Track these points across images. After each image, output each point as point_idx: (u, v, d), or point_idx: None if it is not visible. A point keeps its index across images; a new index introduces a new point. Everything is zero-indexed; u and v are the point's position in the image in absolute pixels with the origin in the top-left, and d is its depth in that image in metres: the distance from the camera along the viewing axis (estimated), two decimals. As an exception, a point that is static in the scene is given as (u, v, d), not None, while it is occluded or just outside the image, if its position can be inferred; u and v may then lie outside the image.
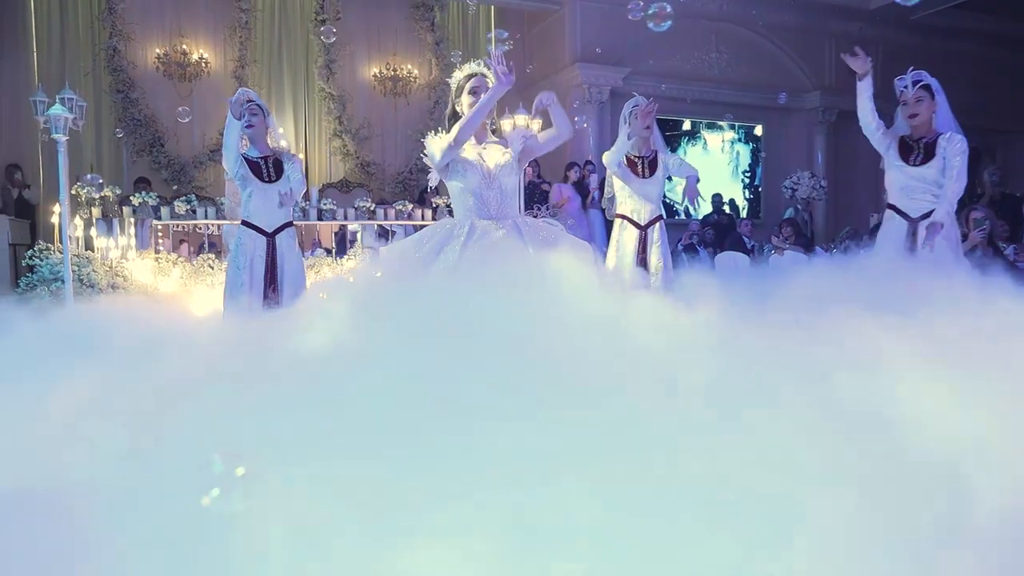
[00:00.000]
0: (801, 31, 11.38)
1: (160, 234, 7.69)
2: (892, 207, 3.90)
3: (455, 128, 3.07)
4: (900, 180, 3.85)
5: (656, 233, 4.80)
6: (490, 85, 3.12)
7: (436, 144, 3.11)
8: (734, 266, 7.84)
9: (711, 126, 11.44)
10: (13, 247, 8.00)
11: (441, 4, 11.03)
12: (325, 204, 8.09)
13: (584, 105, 10.33)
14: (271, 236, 4.22)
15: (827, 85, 11.76)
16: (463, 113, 3.17)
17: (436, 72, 10.90)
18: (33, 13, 9.27)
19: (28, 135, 9.08)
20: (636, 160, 4.78)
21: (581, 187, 9.17)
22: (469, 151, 3.16)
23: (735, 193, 11.57)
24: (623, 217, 4.86)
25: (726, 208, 10.87)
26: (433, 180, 3.25)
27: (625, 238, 4.81)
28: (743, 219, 10.00)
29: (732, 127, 11.57)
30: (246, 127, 4.18)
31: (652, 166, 4.80)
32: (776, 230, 8.18)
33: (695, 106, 11.07)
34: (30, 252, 6.57)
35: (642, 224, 4.77)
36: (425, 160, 3.18)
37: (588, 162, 9.55)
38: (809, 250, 8.12)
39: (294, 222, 4.46)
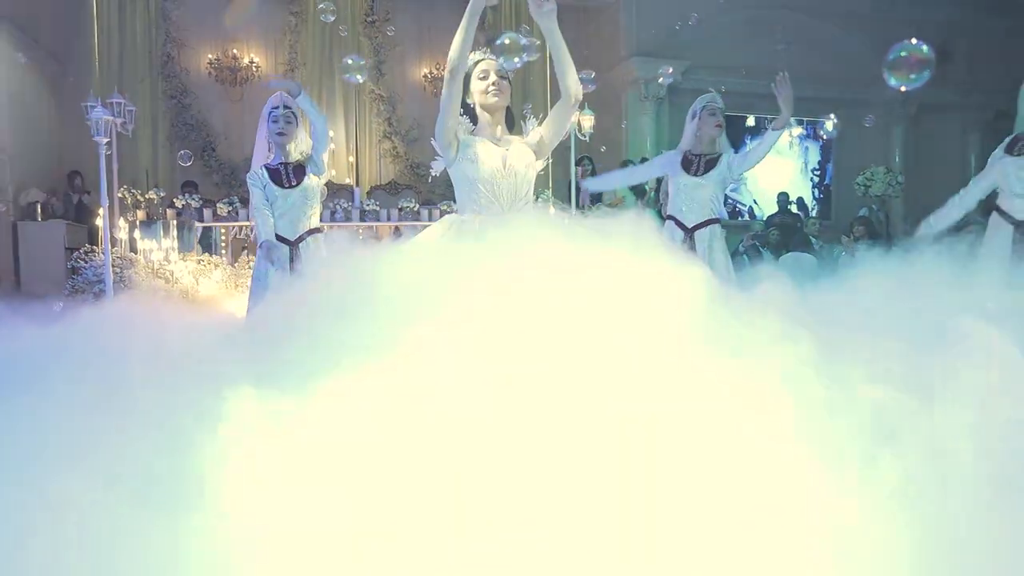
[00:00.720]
0: (876, 18, 10.62)
1: (223, 238, 7.67)
2: (999, 210, 3.40)
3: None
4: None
5: (707, 238, 4.20)
6: (498, 73, 2.81)
7: (442, 134, 2.75)
8: (799, 268, 7.28)
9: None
10: (69, 251, 8.13)
11: (492, 4, 10.77)
12: (369, 205, 7.94)
13: (640, 102, 9.90)
14: (294, 244, 3.99)
15: (905, 76, 10.97)
16: (474, 104, 2.85)
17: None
18: (96, 24, 9.46)
19: (89, 142, 9.27)
20: (693, 157, 4.28)
21: (636, 186, 8.74)
22: (484, 138, 2.81)
23: (804, 192, 10.89)
24: (670, 217, 4.33)
25: (792, 207, 10.21)
26: (437, 168, 2.89)
27: (670, 242, 4.28)
28: (809, 218, 9.36)
29: (800, 123, 10.90)
30: (277, 134, 3.95)
31: (709, 166, 4.22)
32: (847, 229, 7.56)
33: (759, 100, 10.46)
34: (75, 254, 6.61)
35: (688, 226, 4.24)
36: (433, 143, 2.85)
37: (644, 159, 9.10)
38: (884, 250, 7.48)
39: (322, 227, 4.21)
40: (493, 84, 2.80)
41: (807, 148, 10.97)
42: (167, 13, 9.40)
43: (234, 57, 9.64)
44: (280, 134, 3.91)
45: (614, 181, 5.35)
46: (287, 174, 3.96)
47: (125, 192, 7.29)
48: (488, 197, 2.76)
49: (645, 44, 9.82)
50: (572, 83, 2.78)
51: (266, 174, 3.92)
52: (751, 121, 10.72)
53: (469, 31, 2.66)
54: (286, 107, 3.95)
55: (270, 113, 3.94)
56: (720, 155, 4.22)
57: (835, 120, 8.64)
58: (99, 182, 6.21)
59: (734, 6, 10.16)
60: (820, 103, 10.84)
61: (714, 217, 4.30)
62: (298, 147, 4.07)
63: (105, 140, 5.99)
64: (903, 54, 2.99)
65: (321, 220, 7.26)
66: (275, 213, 3.94)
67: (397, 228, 7.69)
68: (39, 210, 8.22)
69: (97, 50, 9.46)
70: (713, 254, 4.23)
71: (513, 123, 3.01)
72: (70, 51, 9.41)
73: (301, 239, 3.97)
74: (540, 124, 2.92)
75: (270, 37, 9.88)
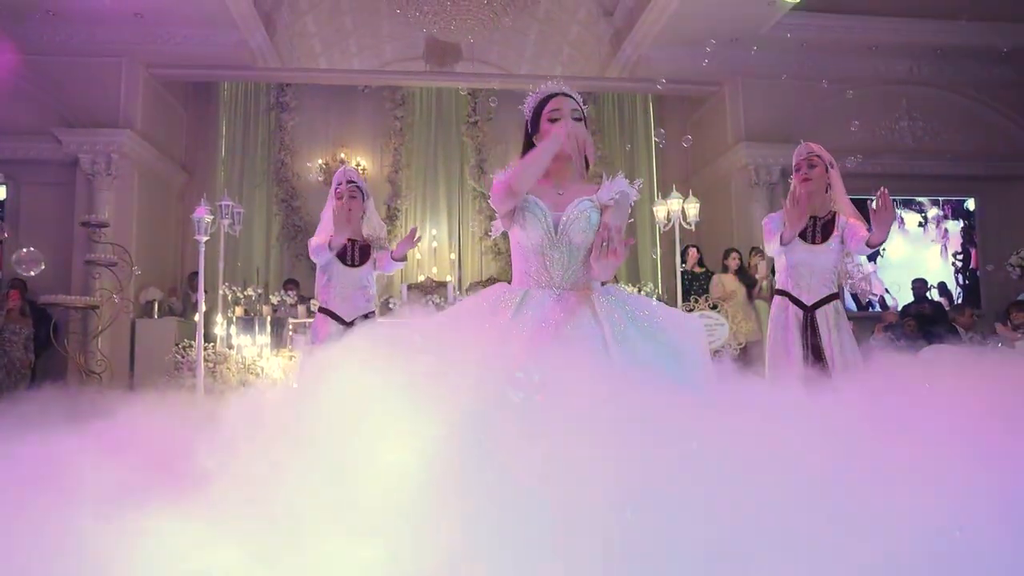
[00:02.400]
0: (1021, 85, 9.67)
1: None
2: None
3: (514, 168, 2.33)
4: None
5: (832, 317, 3.60)
6: (571, 110, 2.36)
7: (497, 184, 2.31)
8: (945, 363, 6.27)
9: (907, 203, 9.86)
10: (178, 346, 8.43)
11: (594, 97, 10.76)
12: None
13: (750, 187, 9.35)
14: (350, 326, 3.75)
15: (1060, 147, 9.82)
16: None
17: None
18: (224, 136, 10.22)
19: (210, 245, 9.83)
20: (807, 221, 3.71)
21: (744, 275, 8.10)
22: (541, 194, 2.28)
23: (946, 278, 9.74)
24: (782, 293, 3.72)
25: (932, 293, 9.09)
26: (496, 230, 2.45)
27: (786, 321, 3.64)
28: (954, 306, 8.25)
29: (935, 203, 9.90)
30: (342, 208, 3.81)
31: (826, 230, 3.65)
32: (1004, 316, 6.52)
33: (885, 182, 9.61)
34: (175, 349, 6.75)
35: (808, 304, 3.62)
36: (490, 203, 2.39)
37: (755, 248, 8.46)
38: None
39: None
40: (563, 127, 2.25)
41: (946, 229, 9.89)
42: (283, 123, 9.99)
43: (342, 161, 10.04)
44: (353, 210, 3.78)
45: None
46: (352, 252, 3.80)
47: (227, 289, 7.49)
48: (539, 268, 2.26)
49: (752, 129, 9.35)
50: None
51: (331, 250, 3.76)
52: (875, 204, 9.84)
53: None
54: (350, 181, 3.83)
55: (335, 188, 3.82)
56: (835, 215, 3.64)
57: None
58: (199, 280, 6.39)
59: (851, 85, 9.56)
60: (958, 180, 9.86)
61: (835, 292, 3.69)
62: (368, 225, 3.92)
63: (205, 239, 6.16)
64: None
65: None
66: (332, 289, 3.75)
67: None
68: (156, 308, 8.62)
69: (222, 160, 10.17)
70: (841, 334, 3.58)
71: (589, 164, 2.46)
72: (197, 162, 10.14)
73: (355, 321, 3.73)
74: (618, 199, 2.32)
75: (377, 141, 10.25)
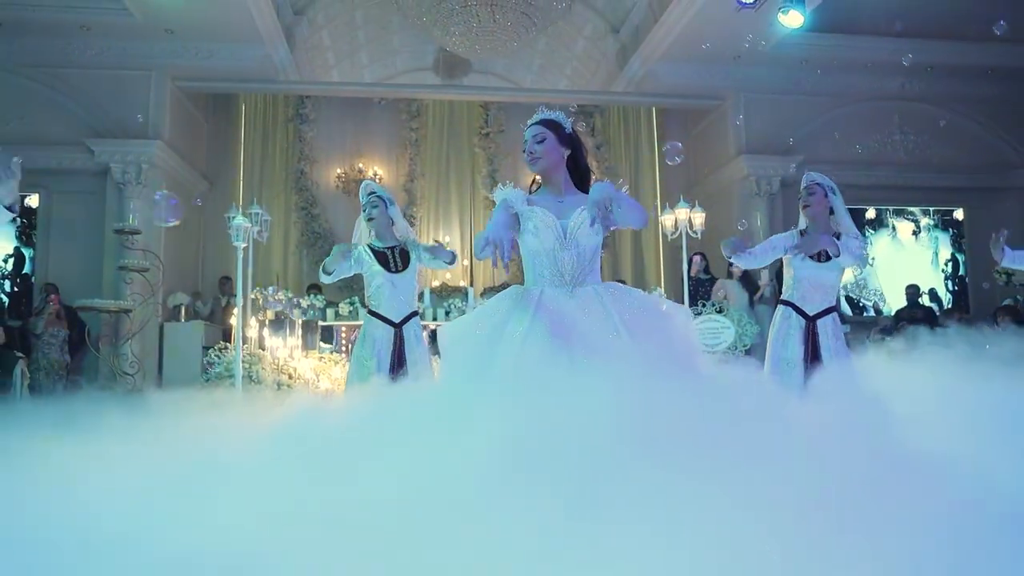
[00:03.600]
0: (1003, 101, 10.17)
1: (343, 336, 8.07)
2: None
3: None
4: None
5: (831, 327, 4.00)
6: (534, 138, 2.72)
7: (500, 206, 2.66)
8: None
9: (899, 212, 10.34)
10: (205, 349, 8.77)
11: (600, 110, 11.19)
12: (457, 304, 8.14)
13: (751, 198, 9.79)
14: (398, 326, 4.10)
15: (1044, 160, 10.34)
16: (532, 171, 2.78)
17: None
18: (243, 146, 10.58)
19: (228, 250, 10.16)
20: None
21: (748, 282, 8.52)
22: (546, 204, 2.64)
23: (936, 284, 10.22)
24: (787, 304, 4.12)
25: (924, 299, 9.56)
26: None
27: (789, 328, 4.04)
28: (943, 310, 8.71)
29: (926, 213, 10.38)
30: (368, 219, 4.17)
31: (831, 250, 4.03)
32: (991, 320, 6.97)
33: (880, 192, 10.11)
34: (210, 350, 7.09)
35: (810, 314, 4.02)
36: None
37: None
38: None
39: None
40: (528, 154, 2.71)
41: (936, 238, 10.37)
42: (302, 134, 10.36)
43: (359, 170, 10.41)
44: (369, 219, 4.11)
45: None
46: (394, 259, 4.11)
47: (257, 294, 7.85)
48: (552, 271, 2.58)
49: (755, 141, 9.80)
50: (639, 221, 2.68)
51: (370, 254, 4.08)
52: (871, 213, 10.33)
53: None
54: (370, 193, 4.17)
55: (366, 201, 4.16)
56: (839, 236, 4.04)
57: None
58: (237, 285, 6.75)
59: (846, 100, 10.05)
60: (948, 192, 10.35)
61: (834, 305, 4.12)
62: (398, 232, 4.24)
63: (244, 245, 6.51)
64: None
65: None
66: (380, 294, 4.08)
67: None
68: (183, 312, 8.96)
69: (242, 170, 10.52)
70: (837, 342, 4.01)
71: (586, 178, 2.80)
72: (218, 171, 10.49)
73: (404, 322, 4.09)
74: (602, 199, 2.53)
75: (392, 151, 10.64)
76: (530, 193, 2.77)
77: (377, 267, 4.04)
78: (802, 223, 4.19)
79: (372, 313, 4.12)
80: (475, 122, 10.83)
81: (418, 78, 11.38)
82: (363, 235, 4.23)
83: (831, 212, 4.11)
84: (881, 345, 7.23)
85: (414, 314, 4.19)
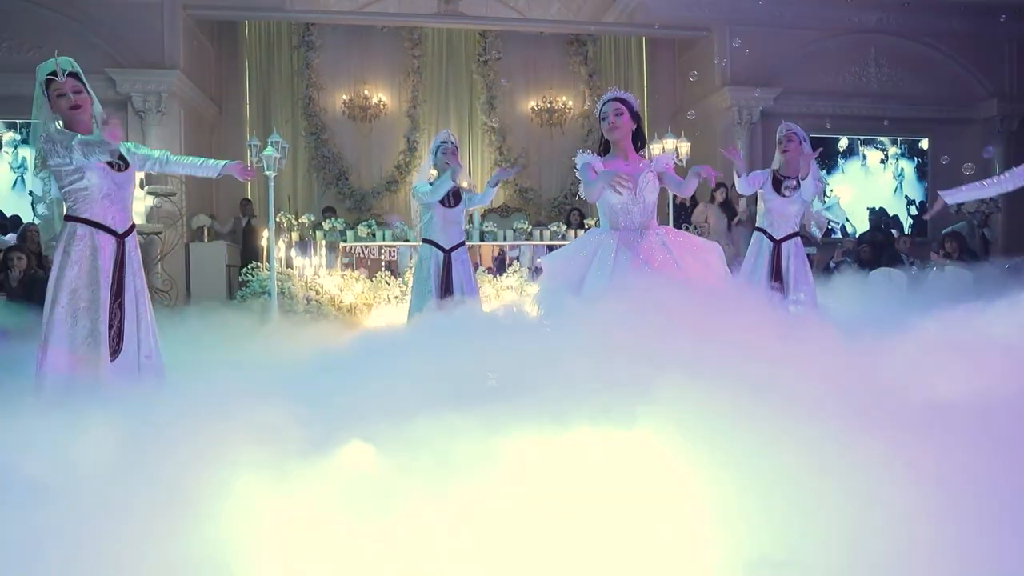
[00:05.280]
0: (974, 36, 10.80)
1: (358, 255, 8.79)
2: None
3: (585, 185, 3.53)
4: None
5: (792, 249, 4.97)
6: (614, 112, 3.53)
7: (581, 170, 3.52)
8: (889, 283, 7.66)
9: (870, 142, 11.10)
10: (228, 267, 9.51)
11: (593, 39, 11.65)
12: (487, 227, 8.89)
13: (733, 127, 10.46)
14: (448, 252, 4.92)
15: (1006, 92, 11.05)
16: (608, 137, 3.58)
17: (590, 103, 11.51)
18: (247, 73, 10.99)
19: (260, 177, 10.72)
20: (782, 179, 4.98)
21: (727, 207, 9.32)
22: (617, 168, 3.45)
23: (899, 211, 11.11)
24: (760, 230, 5.08)
25: (888, 226, 10.48)
26: (588, 193, 3.54)
27: (760, 249, 5.02)
28: (902, 235, 9.63)
29: (895, 142, 11.15)
30: (445, 164, 4.81)
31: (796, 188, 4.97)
32: (937, 245, 7.88)
33: (853, 123, 10.83)
34: (244, 269, 7.84)
35: (777, 238, 4.97)
36: (577, 172, 3.58)
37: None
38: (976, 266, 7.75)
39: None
40: (610, 125, 3.50)
41: (903, 167, 11.19)
42: (309, 61, 10.78)
43: (365, 97, 10.89)
44: (447, 164, 4.82)
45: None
46: (448, 195, 4.89)
47: (282, 217, 8.54)
48: (625, 219, 3.46)
49: (738, 73, 10.39)
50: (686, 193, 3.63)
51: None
52: (844, 143, 11.07)
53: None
54: (445, 141, 4.90)
55: (439, 146, 4.89)
56: (806, 177, 4.89)
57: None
58: (267, 210, 7.45)
59: (826, 33, 10.61)
60: (916, 123, 11.08)
61: (797, 231, 5.00)
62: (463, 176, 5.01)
63: (274, 174, 7.17)
64: None
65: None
66: (433, 225, 4.89)
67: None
68: (206, 232, 9.64)
69: (248, 96, 10.97)
70: (797, 261, 4.94)
71: (643, 143, 3.70)
72: (226, 96, 10.93)
73: (454, 248, 4.90)
74: (663, 171, 3.55)
75: (395, 79, 11.10)
76: (602, 156, 3.59)
77: (436, 202, 4.85)
78: (776, 163, 5.03)
79: (427, 241, 4.94)
80: (473, 50, 11.26)
81: (418, 4, 11.69)
82: (423, 174, 4.99)
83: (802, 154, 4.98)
84: (834, 268, 8.16)
85: (462, 243, 5.02)
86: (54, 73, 3.09)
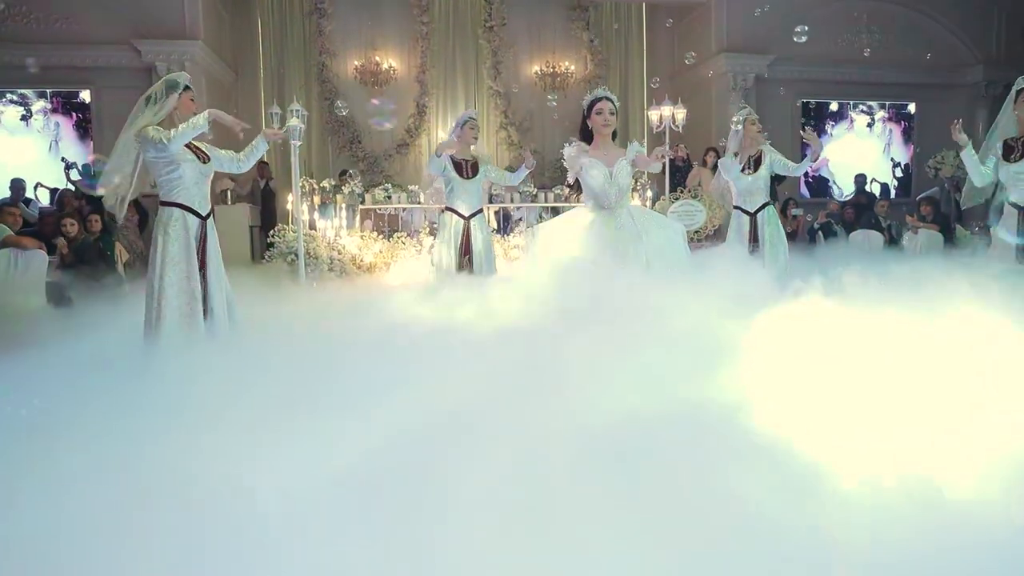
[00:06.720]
0: (964, 2, 11.22)
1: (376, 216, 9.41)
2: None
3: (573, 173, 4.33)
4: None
5: (766, 217, 5.71)
6: (610, 111, 4.25)
7: (569, 160, 4.27)
8: (867, 244, 8.30)
9: (857, 106, 11.60)
10: (251, 228, 10.10)
11: (595, 4, 12.02)
12: (494, 190, 9.47)
13: (728, 92, 10.94)
14: (468, 219, 5.55)
15: (991, 57, 11.50)
16: (592, 128, 4.29)
17: (591, 67, 11.98)
18: (261, 41, 11.42)
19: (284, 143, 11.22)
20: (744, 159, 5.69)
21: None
22: (597, 156, 4.25)
23: (885, 174, 11.67)
24: (736, 207, 5.85)
25: (872, 188, 11.06)
26: (571, 178, 4.39)
27: (740, 222, 5.79)
28: (879, 199, 10.22)
29: (883, 107, 11.65)
30: (473, 138, 5.55)
31: (756, 164, 5.69)
32: (912, 209, 8.48)
33: (844, 87, 11.30)
34: (272, 232, 8.45)
35: (751, 211, 5.68)
36: (564, 162, 4.31)
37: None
38: (949, 230, 8.38)
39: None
40: (604, 120, 4.26)
41: (890, 131, 11.71)
42: (322, 28, 11.19)
43: (376, 63, 11.34)
44: (475, 138, 5.51)
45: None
46: (466, 167, 5.52)
47: (304, 181, 9.10)
48: (602, 198, 4.24)
49: (734, 40, 10.83)
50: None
51: (451, 163, 5.46)
52: (834, 106, 11.56)
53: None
54: (472, 118, 5.52)
55: (466, 121, 5.50)
56: (760, 153, 5.58)
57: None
58: (291, 175, 8.02)
59: (820, 1, 11.01)
60: (904, 88, 11.57)
61: (768, 201, 5.68)
62: (479, 150, 5.65)
63: (299, 143, 7.71)
64: None
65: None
66: (453, 194, 5.51)
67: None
68: (228, 196, 10.21)
69: (263, 62, 11.41)
70: (771, 228, 5.63)
71: (616, 136, 4.50)
72: (242, 63, 11.37)
73: (472, 216, 5.53)
74: (636, 158, 4.32)
75: (404, 45, 11.52)
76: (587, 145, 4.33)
77: (453, 172, 5.46)
78: (735, 147, 5.73)
79: (448, 208, 5.56)
80: (479, 16, 11.65)
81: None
82: (445, 146, 5.58)
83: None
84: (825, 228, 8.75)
85: (480, 211, 5.64)
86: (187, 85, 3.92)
